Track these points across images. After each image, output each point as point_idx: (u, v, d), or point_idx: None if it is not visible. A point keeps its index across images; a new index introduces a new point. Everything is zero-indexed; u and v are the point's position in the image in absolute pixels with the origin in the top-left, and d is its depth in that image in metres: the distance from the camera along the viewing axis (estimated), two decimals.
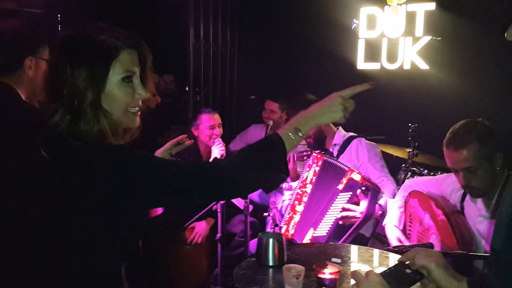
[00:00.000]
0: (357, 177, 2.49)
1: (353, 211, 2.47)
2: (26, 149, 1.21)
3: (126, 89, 1.22)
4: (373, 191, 2.47)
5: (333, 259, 1.91)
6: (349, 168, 2.55)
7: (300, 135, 1.25)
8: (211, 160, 3.25)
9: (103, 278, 1.24)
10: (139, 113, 1.28)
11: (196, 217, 2.68)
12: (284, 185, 2.84)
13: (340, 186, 2.52)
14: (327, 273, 1.62)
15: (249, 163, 1.24)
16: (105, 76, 1.17)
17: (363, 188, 2.47)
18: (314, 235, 2.53)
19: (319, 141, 2.97)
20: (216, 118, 3.42)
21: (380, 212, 2.56)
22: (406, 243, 2.29)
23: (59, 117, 1.16)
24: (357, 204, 2.49)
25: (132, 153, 1.18)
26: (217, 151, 3.26)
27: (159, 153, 1.62)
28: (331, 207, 2.53)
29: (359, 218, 2.45)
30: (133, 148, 1.23)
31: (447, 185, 2.25)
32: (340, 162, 2.67)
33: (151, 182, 1.16)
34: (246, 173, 1.24)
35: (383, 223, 2.49)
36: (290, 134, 1.25)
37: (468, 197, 2.12)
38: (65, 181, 1.15)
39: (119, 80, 1.20)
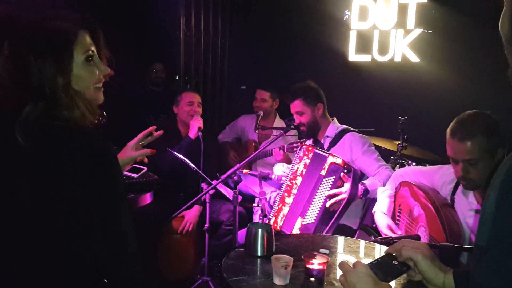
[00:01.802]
0: (338, 160, 2.51)
1: (339, 193, 2.49)
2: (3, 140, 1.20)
3: (90, 68, 1.26)
4: (354, 173, 2.51)
5: (321, 250, 1.92)
6: (329, 153, 2.58)
7: None
8: (191, 134, 3.27)
9: (87, 271, 1.22)
10: (102, 88, 1.33)
11: (185, 207, 2.67)
12: (273, 176, 2.83)
13: (323, 172, 2.55)
14: (315, 263, 1.62)
15: None
16: (71, 60, 1.21)
17: (345, 171, 2.49)
18: (303, 223, 2.54)
19: (312, 131, 2.98)
20: (197, 97, 3.45)
21: (362, 191, 2.59)
22: (398, 231, 2.30)
23: (33, 105, 1.16)
24: (341, 186, 2.53)
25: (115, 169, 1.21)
26: (196, 124, 3.28)
27: (131, 145, 1.63)
28: (316, 194, 2.56)
29: (345, 198, 2.48)
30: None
31: (438, 177, 2.25)
32: (324, 151, 2.68)
33: (106, 205, 1.18)
34: None
35: (373, 211, 2.50)
36: None
37: (459, 190, 2.11)
38: (49, 167, 1.15)
39: (83, 60, 1.24)
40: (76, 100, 1.20)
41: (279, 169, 3.01)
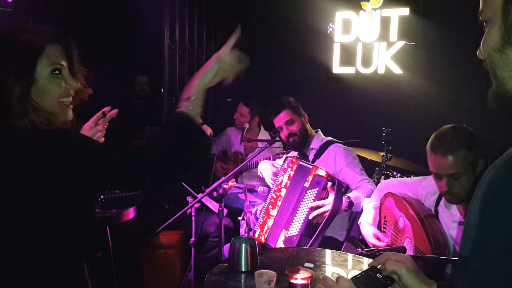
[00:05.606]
0: (322, 172, 2.51)
1: (322, 205, 2.48)
2: None
3: (56, 81, 1.27)
4: (338, 185, 2.50)
5: (306, 264, 1.90)
6: (313, 165, 2.57)
7: (193, 98, 1.35)
8: None
9: (61, 278, 1.24)
10: (71, 106, 1.34)
11: (170, 221, 2.64)
12: (259, 189, 2.81)
13: (307, 184, 2.54)
14: (299, 278, 1.61)
15: (176, 147, 1.30)
16: (32, 71, 1.22)
17: (329, 183, 2.48)
18: (287, 235, 2.52)
19: (304, 139, 2.96)
20: None
21: (347, 204, 2.57)
22: (385, 239, 2.29)
23: None
24: (325, 199, 2.51)
25: (82, 141, 1.26)
26: (207, 130, 3.43)
27: (86, 127, 1.67)
28: (300, 206, 2.54)
29: (328, 210, 2.46)
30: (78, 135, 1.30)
31: (422, 188, 2.25)
32: (308, 163, 2.68)
33: (100, 172, 1.22)
34: (179, 156, 1.30)
35: (359, 222, 2.50)
36: (187, 105, 1.35)
37: (442, 201, 2.11)
38: (9, 173, 1.17)
39: (48, 73, 1.25)
40: (27, 108, 1.21)
41: (266, 168, 2.99)
